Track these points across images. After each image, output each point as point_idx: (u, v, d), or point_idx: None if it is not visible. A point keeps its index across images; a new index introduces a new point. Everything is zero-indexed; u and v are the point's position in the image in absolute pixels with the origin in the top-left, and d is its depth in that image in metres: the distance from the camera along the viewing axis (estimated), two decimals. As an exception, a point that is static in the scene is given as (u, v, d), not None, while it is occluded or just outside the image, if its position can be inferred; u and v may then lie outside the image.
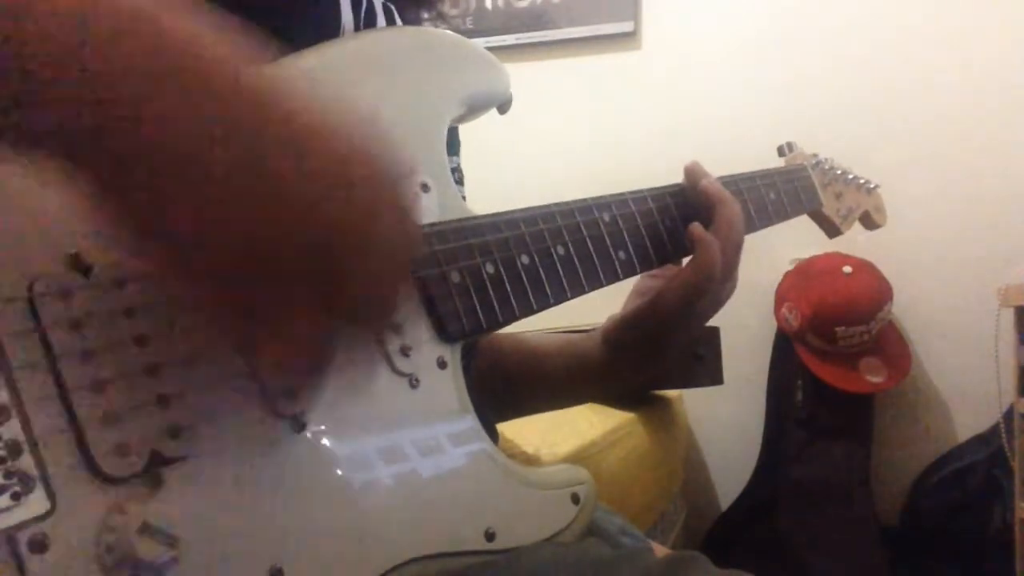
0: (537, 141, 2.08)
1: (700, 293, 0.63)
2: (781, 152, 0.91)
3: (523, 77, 2.23)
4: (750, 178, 0.79)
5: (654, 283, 0.68)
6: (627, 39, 2.04)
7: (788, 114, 1.87)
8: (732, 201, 0.67)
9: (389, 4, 0.61)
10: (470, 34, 2.19)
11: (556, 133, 2.09)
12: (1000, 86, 1.77)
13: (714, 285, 0.64)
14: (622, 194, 0.65)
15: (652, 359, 0.70)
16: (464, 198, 0.61)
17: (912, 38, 1.83)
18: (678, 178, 0.70)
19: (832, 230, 0.92)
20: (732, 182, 0.76)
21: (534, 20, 2.10)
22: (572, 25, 2.07)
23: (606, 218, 0.62)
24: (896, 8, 1.85)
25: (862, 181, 0.95)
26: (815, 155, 0.91)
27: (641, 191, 0.66)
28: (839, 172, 0.92)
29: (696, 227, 0.64)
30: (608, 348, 0.70)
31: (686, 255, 0.66)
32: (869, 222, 0.98)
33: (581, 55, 2.08)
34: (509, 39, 2.11)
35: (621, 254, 0.62)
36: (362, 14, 0.57)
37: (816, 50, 1.90)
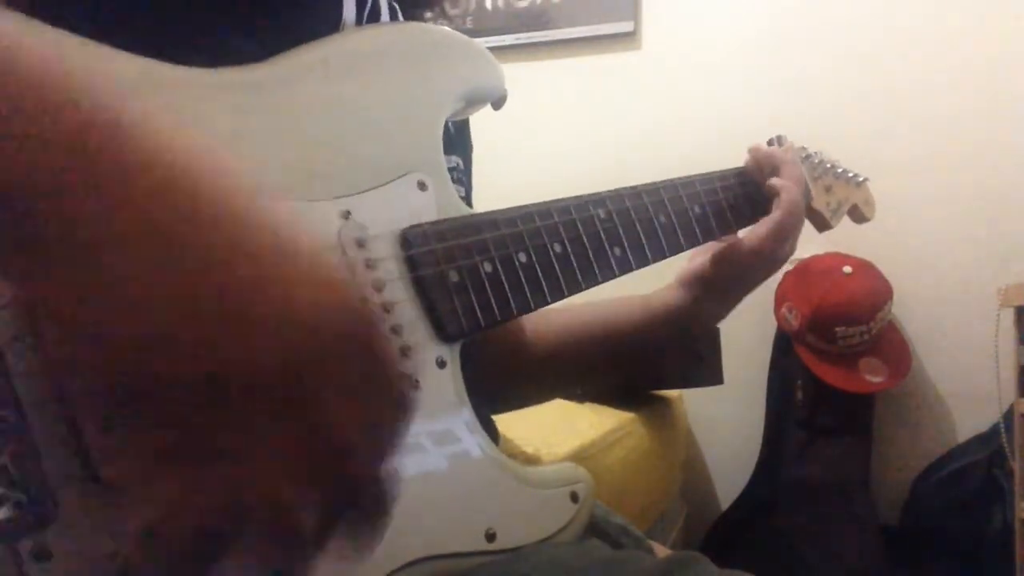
0: (537, 141, 2.08)
1: (787, 232, 0.73)
2: (771, 145, 0.90)
3: (523, 77, 2.23)
4: (740, 172, 0.79)
5: (717, 244, 0.76)
6: (627, 39, 2.04)
7: (788, 114, 1.87)
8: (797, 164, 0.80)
9: (394, 2, 0.61)
10: (470, 34, 2.17)
11: (556, 133, 2.09)
12: (1000, 85, 1.77)
13: (796, 225, 0.75)
14: (618, 189, 0.65)
15: (731, 299, 0.77)
16: (464, 198, 0.61)
17: (912, 38, 1.83)
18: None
19: (822, 224, 0.91)
20: (724, 176, 0.76)
21: (534, 20, 2.10)
22: (572, 25, 2.07)
23: (601, 214, 0.62)
24: (895, 8, 1.84)
25: (851, 174, 0.94)
26: (804, 148, 0.90)
27: (636, 187, 0.67)
28: (828, 165, 0.91)
29: (775, 179, 0.77)
30: (688, 290, 0.77)
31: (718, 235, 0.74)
32: (858, 215, 0.97)
33: (581, 55, 2.08)
34: (509, 39, 2.11)
35: (617, 251, 0.62)
36: (366, 11, 0.57)
37: (816, 50, 1.90)
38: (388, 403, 0.31)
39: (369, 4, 0.57)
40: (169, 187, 0.27)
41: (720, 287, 0.76)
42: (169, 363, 0.26)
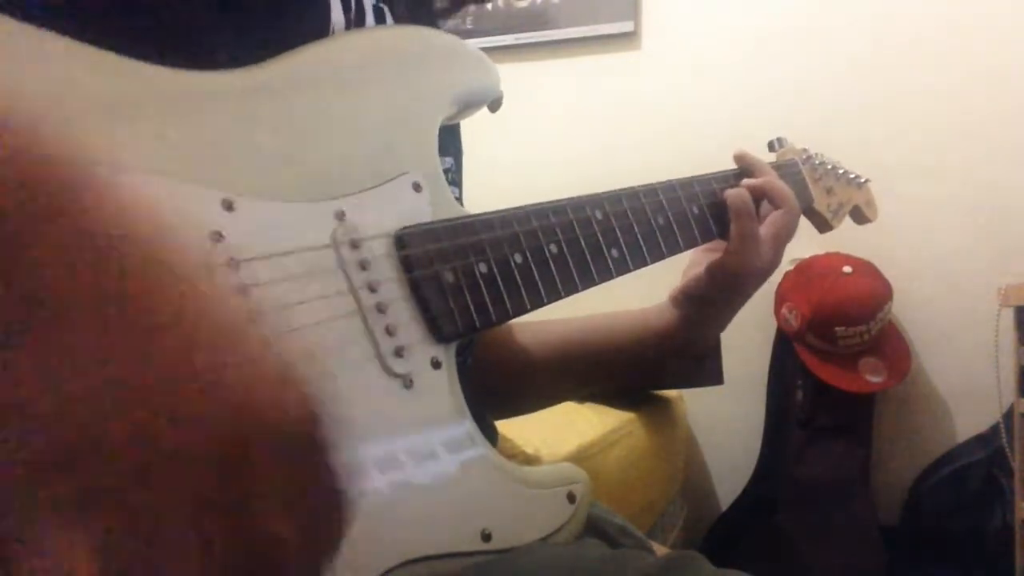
0: (536, 141, 2.08)
1: (750, 254, 0.71)
2: (771, 147, 0.90)
3: (523, 77, 2.23)
4: (739, 173, 0.79)
5: (710, 255, 0.75)
6: (627, 39, 2.04)
7: (788, 115, 1.87)
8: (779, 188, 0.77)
9: (381, 5, 0.60)
10: (470, 34, 2.19)
11: (555, 133, 2.09)
12: (1001, 87, 1.77)
13: (758, 246, 0.72)
14: (616, 191, 0.65)
15: (724, 318, 0.79)
16: (460, 199, 0.61)
17: (912, 37, 1.83)
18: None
19: (823, 225, 0.91)
20: (723, 179, 0.76)
21: (534, 20, 2.10)
22: (572, 25, 2.07)
23: (598, 216, 0.62)
24: (897, 9, 1.84)
25: (852, 176, 0.94)
26: (805, 150, 0.90)
27: (634, 188, 0.67)
28: (829, 167, 0.91)
29: (728, 191, 0.73)
30: (682, 312, 0.77)
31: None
32: (860, 217, 0.97)
33: (581, 55, 2.08)
34: (509, 39, 2.11)
35: (614, 252, 0.62)
36: (352, 15, 0.57)
37: (816, 50, 1.90)
38: (325, 514, 0.27)
39: (354, 7, 0.57)
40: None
41: (710, 306, 0.77)
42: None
